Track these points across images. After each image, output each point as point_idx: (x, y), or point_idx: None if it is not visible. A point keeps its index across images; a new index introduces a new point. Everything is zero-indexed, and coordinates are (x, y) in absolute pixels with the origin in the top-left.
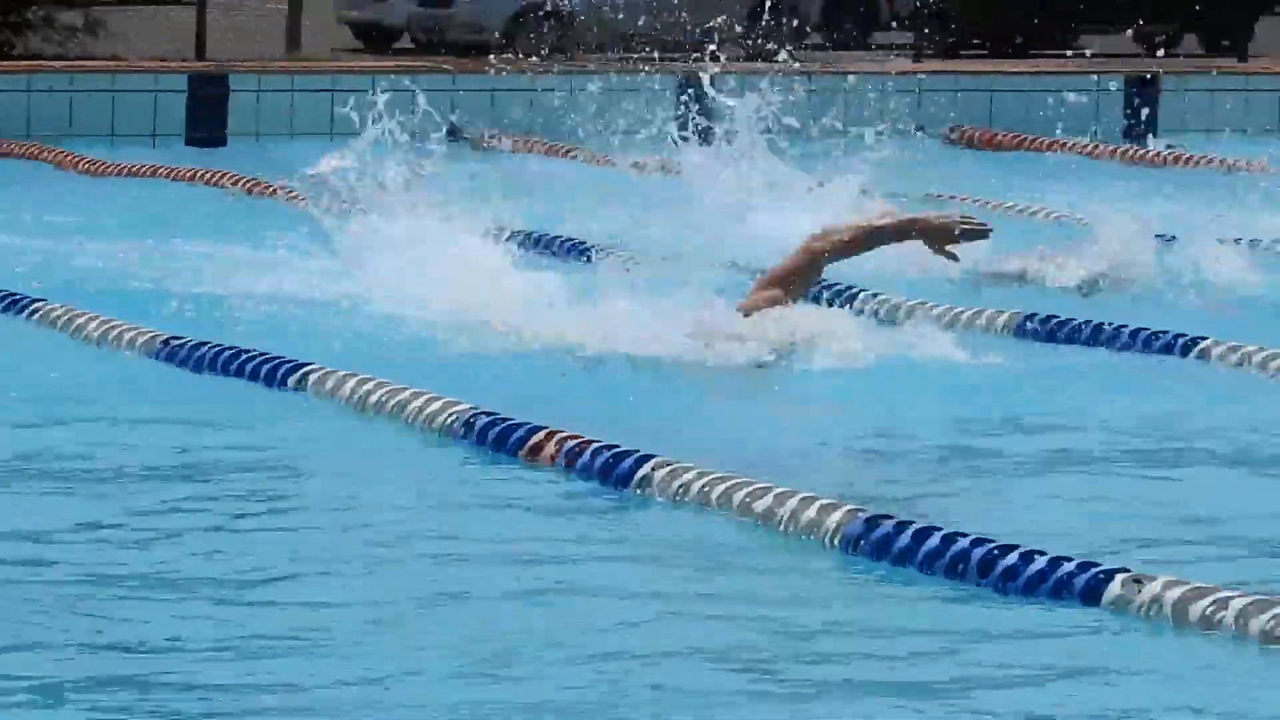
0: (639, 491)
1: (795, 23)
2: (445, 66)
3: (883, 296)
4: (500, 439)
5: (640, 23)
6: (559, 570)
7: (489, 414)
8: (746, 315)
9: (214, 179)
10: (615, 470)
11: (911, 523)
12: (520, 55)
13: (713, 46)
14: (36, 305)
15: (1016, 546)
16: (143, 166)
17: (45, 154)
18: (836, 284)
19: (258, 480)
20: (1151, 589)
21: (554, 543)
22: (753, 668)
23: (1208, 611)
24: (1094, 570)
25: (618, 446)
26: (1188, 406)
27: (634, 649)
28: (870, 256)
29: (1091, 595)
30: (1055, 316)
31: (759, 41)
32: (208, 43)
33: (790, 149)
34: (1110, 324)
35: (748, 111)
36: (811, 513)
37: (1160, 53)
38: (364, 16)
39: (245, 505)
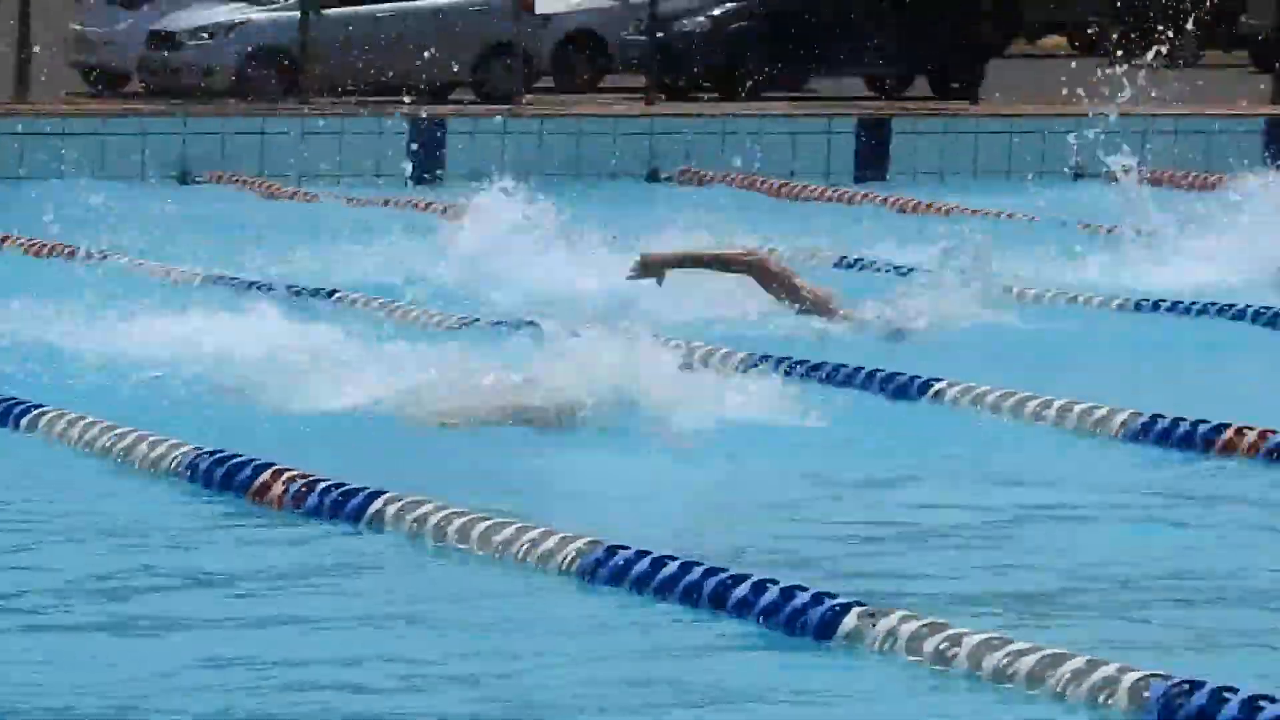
0: (371, 527)
1: (527, 67)
2: (174, 108)
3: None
4: (226, 479)
5: (372, 65)
6: (280, 602)
7: (213, 453)
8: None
9: None
10: (346, 506)
11: (649, 552)
12: (250, 97)
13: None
14: None
15: (749, 576)
16: None
17: None
18: None
19: None
20: (887, 623)
21: (279, 579)
22: (485, 693)
23: (941, 647)
24: (830, 603)
25: (346, 484)
26: (927, 443)
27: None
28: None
29: (826, 629)
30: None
31: (490, 85)
32: None
33: (528, 190)
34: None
35: (487, 153)
36: (550, 543)
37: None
38: (93, 60)
39: None
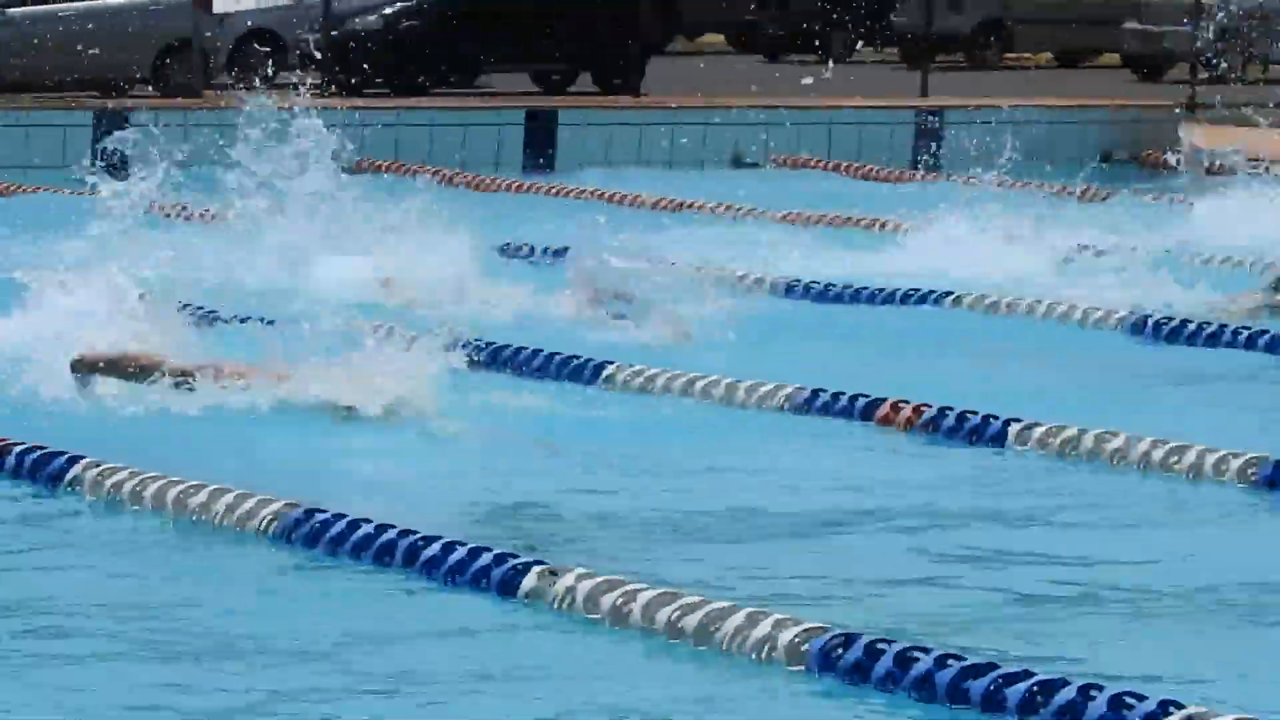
0: (72, 490)
1: (208, 63)
2: None
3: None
4: None
5: (57, 64)
6: None
7: None
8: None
9: None
10: (45, 469)
11: (345, 515)
12: None
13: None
14: None
15: (439, 538)
16: None
17: None
18: None
19: None
20: (566, 580)
21: None
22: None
23: (618, 603)
24: (511, 562)
25: (45, 446)
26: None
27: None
28: None
29: (508, 587)
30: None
31: (171, 81)
32: None
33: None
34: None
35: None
36: (249, 505)
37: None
38: None
39: None
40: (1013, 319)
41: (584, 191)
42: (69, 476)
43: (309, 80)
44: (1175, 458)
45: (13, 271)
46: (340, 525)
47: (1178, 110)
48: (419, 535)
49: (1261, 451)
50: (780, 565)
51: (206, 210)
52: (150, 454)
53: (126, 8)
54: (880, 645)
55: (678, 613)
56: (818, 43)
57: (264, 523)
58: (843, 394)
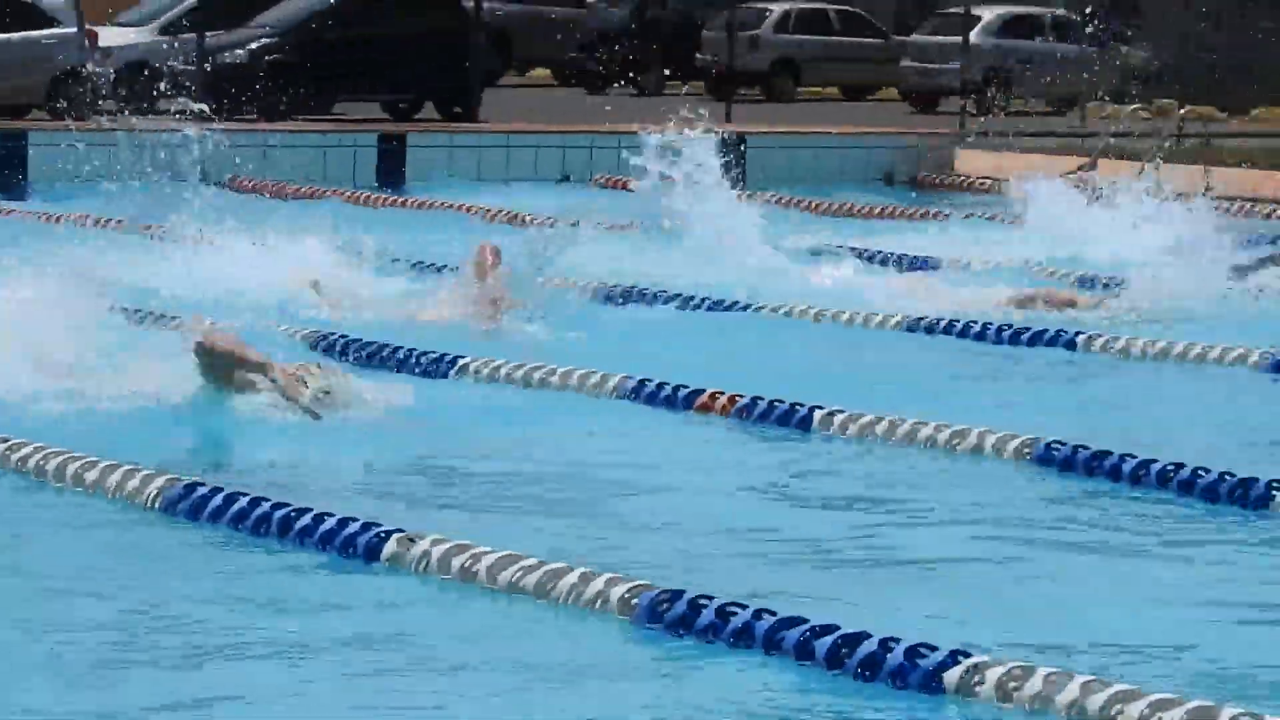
0: None
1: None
2: None
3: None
4: None
5: None
6: None
7: None
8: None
9: None
10: None
11: (221, 489)
12: None
13: None
14: None
15: (310, 509)
16: None
17: None
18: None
19: None
20: (422, 546)
21: None
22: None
23: (465, 565)
24: (375, 529)
25: None
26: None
27: None
28: None
29: (373, 552)
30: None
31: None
32: None
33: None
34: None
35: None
36: (135, 482)
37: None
38: None
39: None
40: (813, 324)
41: (434, 204)
42: None
43: (190, 107)
44: (959, 440)
45: None
46: (218, 499)
47: (950, 137)
48: (291, 507)
49: (1033, 434)
50: (612, 533)
51: (113, 220)
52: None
53: (22, 41)
54: (702, 601)
55: (519, 573)
56: (633, 77)
57: (150, 498)
58: (667, 384)
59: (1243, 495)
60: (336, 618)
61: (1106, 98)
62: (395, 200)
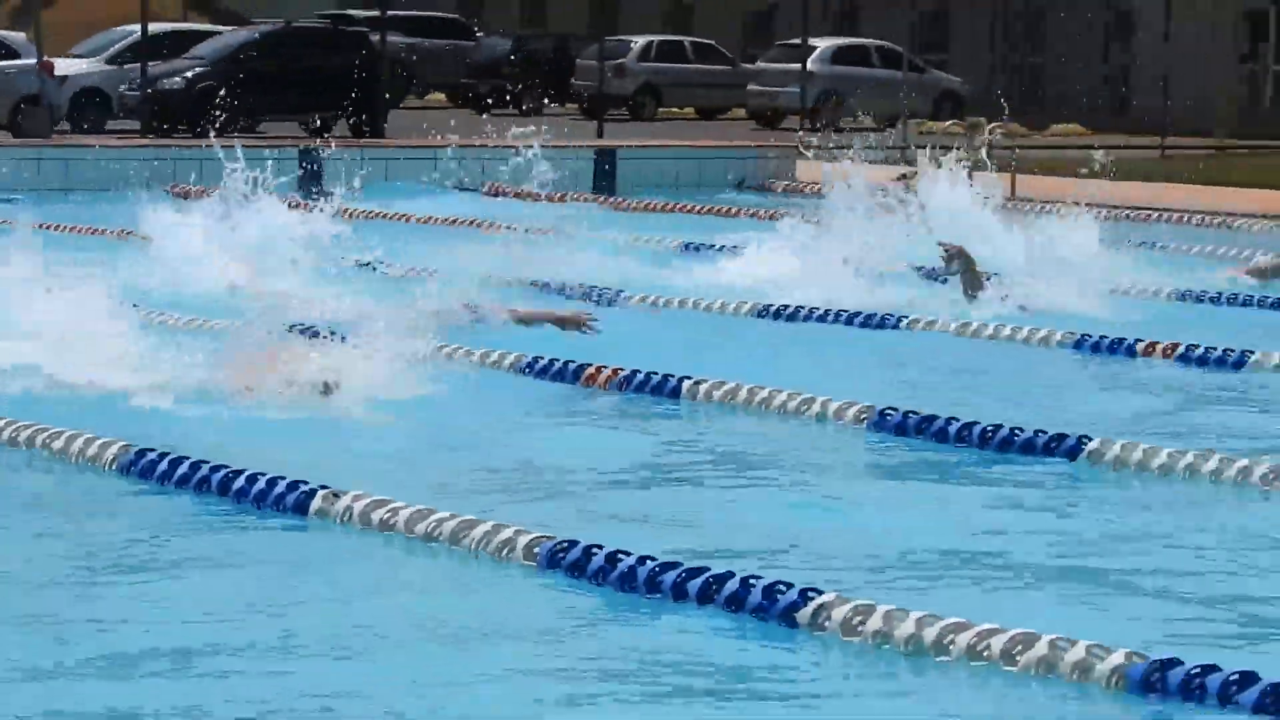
0: None
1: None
2: None
3: None
4: None
5: None
6: None
7: None
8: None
9: None
10: None
11: (169, 453)
12: None
13: None
14: None
15: (244, 471)
16: None
17: None
18: None
19: None
20: (344, 501)
21: None
22: None
23: (384, 518)
24: (303, 488)
25: None
26: None
27: None
28: None
29: (301, 508)
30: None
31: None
32: None
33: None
34: None
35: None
36: (94, 449)
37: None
38: None
39: None
40: (681, 311)
41: (350, 212)
42: None
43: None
44: (806, 406)
45: None
46: (163, 464)
47: (791, 150)
48: (229, 469)
49: (869, 402)
50: (516, 489)
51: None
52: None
53: None
54: (594, 549)
55: (433, 524)
56: (517, 100)
57: (109, 462)
58: (558, 359)
59: (1053, 447)
60: (268, 564)
61: (923, 116)
62: (313, 205)
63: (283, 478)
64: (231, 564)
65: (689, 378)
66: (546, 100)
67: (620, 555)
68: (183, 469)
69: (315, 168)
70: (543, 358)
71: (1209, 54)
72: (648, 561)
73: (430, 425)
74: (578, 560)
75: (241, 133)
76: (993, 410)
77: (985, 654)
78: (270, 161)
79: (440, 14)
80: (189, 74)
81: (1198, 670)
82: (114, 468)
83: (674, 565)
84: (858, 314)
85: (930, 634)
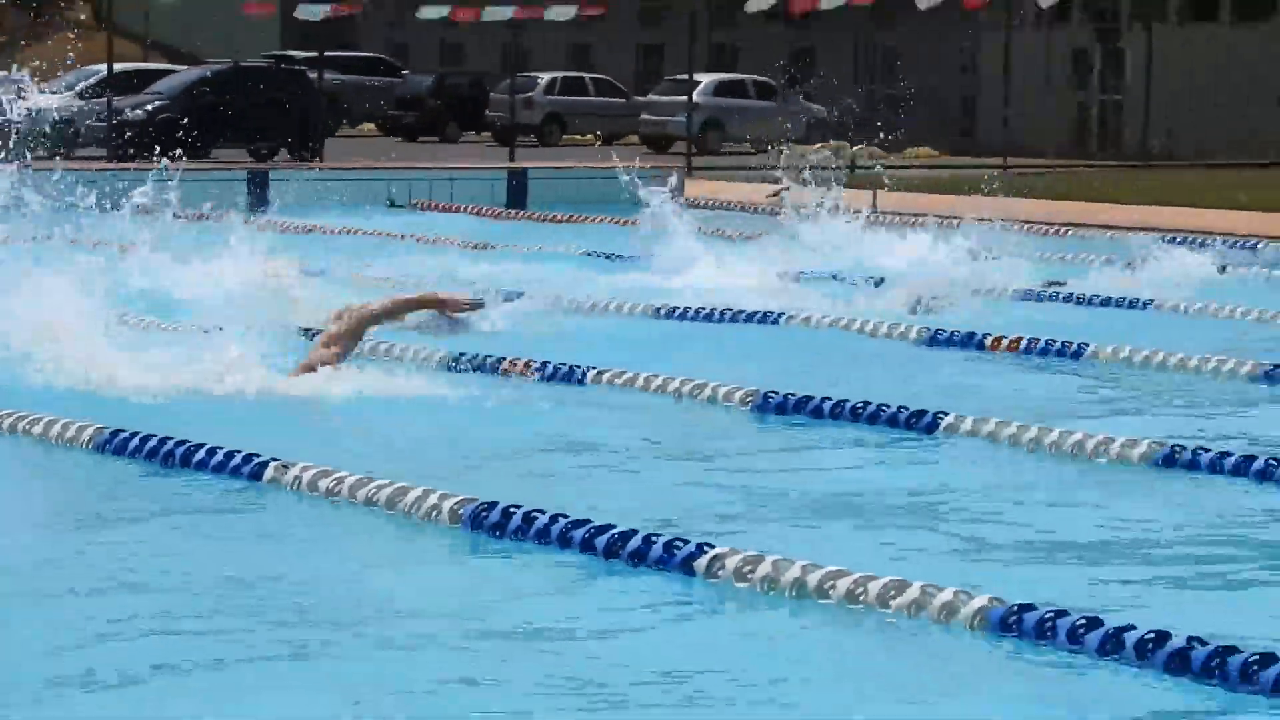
0: None
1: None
2: None
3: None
4: None
5: None
6: None
7: None
8: (310, 370)
9: None
10: None
11: (140, 433)
12: None
13: None
14: None
15: (187, 441)
16: None
17: None
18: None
19: None
20: (294, 471)
21: None
22: None
23: (329, 486)
24: (256, 460)
25: None
26: None
27: None
28: None
29: (256, 475)
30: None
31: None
32: None
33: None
34: None
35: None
36: (70, 432)
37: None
38: None
39: None
40: (584, 309)
41: (292, 224)
42: None
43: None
44: (699, 390)
45: None
46: (136, 442)
47: (679, 170)
48: (191, 443)
49: (754, 386)
50: (443, 461)
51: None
52: None
53: None
54: (512, 509)
55: (374, 489)
56: (439, 129)
57: (85, 442)
58: (489, 355)
59: (914, 422)
60: (225, 527)
61: (795, 140)
62: (263, 222)
63: (239, 450)
64: (195, 529)
65: (594, 367)
66: (464, 129)
67: (535, 514)
68: (133, 443)
69: (261, 188)
70: (468, 353)
71: (1043, 86)
72: (559, 519)
73: (374, 416)
74: (498, 521)
75: (196, 158)
76: (861, 391)
77: (862, 597)
78: (223, 184)
79: (370, 54)
80: (149, 107)
81: (1050, 614)
82: (89, 445)
83: (584, 522)
84: (741, 311)
85: (813, 579)
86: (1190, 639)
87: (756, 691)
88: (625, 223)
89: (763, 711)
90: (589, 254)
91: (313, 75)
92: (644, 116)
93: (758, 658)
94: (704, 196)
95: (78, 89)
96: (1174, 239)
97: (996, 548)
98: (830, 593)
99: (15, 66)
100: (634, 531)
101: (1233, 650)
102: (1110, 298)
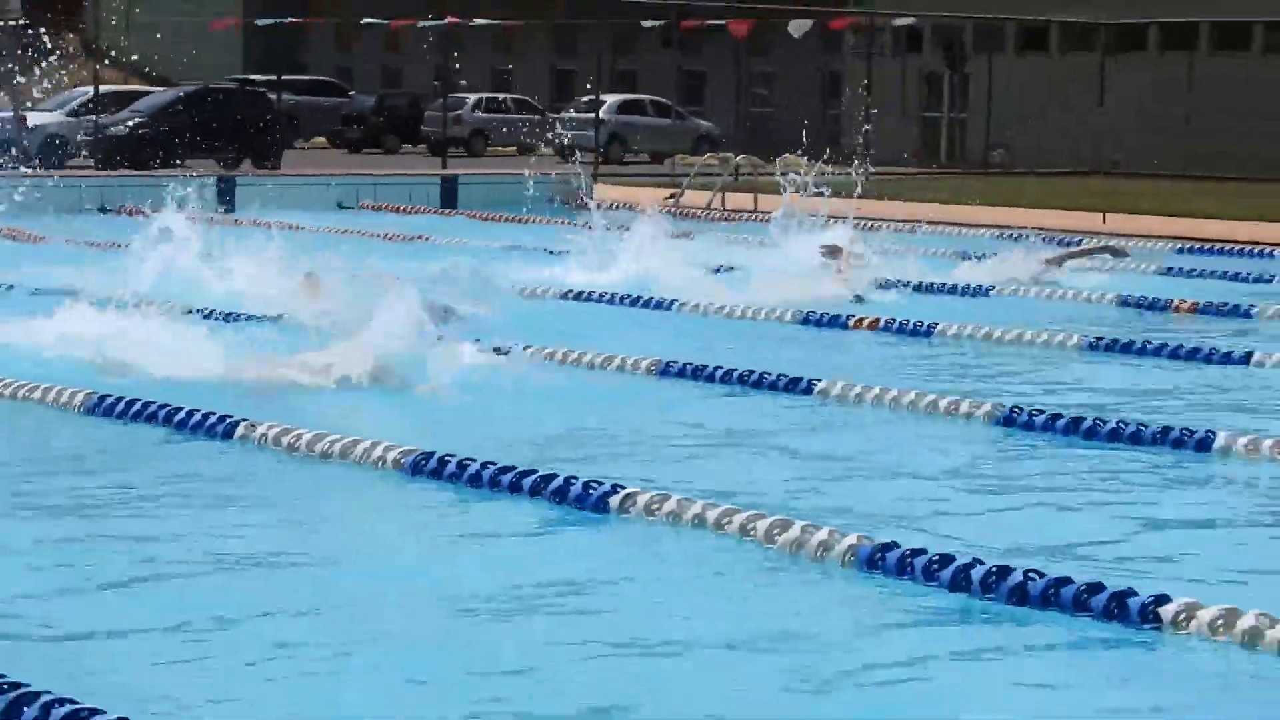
0: None
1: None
2: None
3: None
4: None
5: None
6: None
7: None
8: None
9: None
10: None
11: (124, 396)
12: None
13: None
14: None
15: (169, 405)
16: None
17: None
18: None
19: None
20: (261, 429)
21: None
22: None
23: (290, 441)
24: (229, 420)
25: None
26: None
27: None
28: None
29: (229, 434)
30: None
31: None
32: None
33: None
34: None
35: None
36: (53, 394)
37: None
38: None
39: None
40: (506, 296)
41: (256, 222)
42: None
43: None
44: (609, 362)
45: None
46: (117, 403)
47: (589, 177)
48: (171, 405)
49: (656, 356)
50: (392, 420)
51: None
52: None
53: None
54: (447, 458)
55: (327, 444)
56: (380, 142)
57: (77, 405)
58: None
59: (793, 386)
60: (202, 479)
61: (686, 152)
62: (231, 219)
63: (213, 412)
64: (167, 479)
65: (517, 343)
66: (403, 142)
67: (467, 461)
68: (136, 407)
69: (229, 193)
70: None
71: (899, 105)
72: (489, 465)
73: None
74: (435, 467)
75: (170, 167)
76: (747, 362)
77: (752, 532)
78: (195, 188)
79: (321, 78)
80: (130, 123)
81: (909, 552)
82: (82, 408)
83: (511, 469)
84: (639, 297)
85: (711, 515)
86: (1028, 572)
87: (650, 610)
88: (542, 222)
89: (654, 623)
90: (511, 247)
91: (272, 96)
92: (558, 130)
93: (653, 582)
94: (610, 199)
95: (68, 108)
96: (1013, 236)
97: (864, 493)
98: (726, 527)
99: (17, 90)
100: (555, 474)
101: (1067, 580)
102: (958, 285)
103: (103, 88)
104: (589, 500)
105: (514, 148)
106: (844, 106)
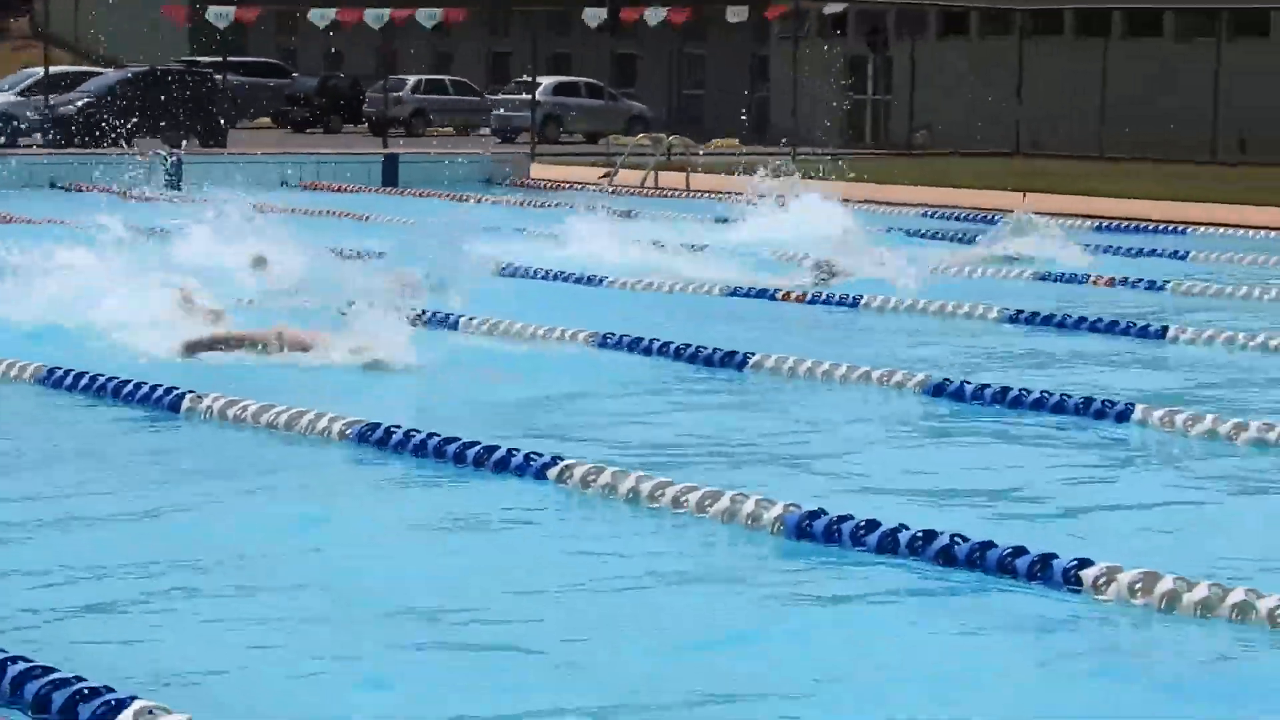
0: None
1: None
2: None
3: None
4: None
5: None
6: None
7: None
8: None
9: None
10: None
11: (90, 372)
12: None
13: None
14: None
15: (147, 383)
16: None
17: None
18: None
19: None
20: (207, 401)
21: None
22: None
23: (269, 419)
24: (176, 392)
25: None
26: None
27: None
28: None
29: (174, 406)
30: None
31: None
32: None
33: None
34: None
35: None
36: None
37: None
38: None
39: None
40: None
41: (203, 199)
42: None
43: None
44: (548, 334)
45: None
46: (85, 378)
47: (526, 156)
48: (150, 383)
49: (594, 329)
50: (342, 392)
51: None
52: None
53: None
54: (393, 428)
55: (275, 415)
56: (323, 122)
57: (27, 377)
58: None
59: (727, 360)
60: (157, 452)
61: (620, 132)
62: (178, 197)
63: (192, 390)
64: (127, 458)
65: (464, 315)
66: (345, 123)
67: (413, 432)
68: (99, 382)
69: (176, 170)
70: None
71: (825, 87)
72: (434, 435)
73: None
74: (381, 438)
75: (119, 146)
76: (683, 336)
77: (685, 504)
78: (144, 167)
79: (265, 59)
80: (80, 103)
81: (835, 519)
82: (31, 380)
83: (455, 439)
84: (571, 273)
85: (645, 488)
86: (953, 536)
87: (590, 581)
88: (479, 200)
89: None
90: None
91: (218, 77)
92: (495, 112)
93: (591, 558)
94: (546, 178)
95: (19, 88)
96: (936, 214)
97: (795, 462)
98: (660, 499)
99: None
100: (496, 447)
101: (991, 544)
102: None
103: (53, 69)
104: (529, 470)
105: (452, 128)
106: (770, 89)
